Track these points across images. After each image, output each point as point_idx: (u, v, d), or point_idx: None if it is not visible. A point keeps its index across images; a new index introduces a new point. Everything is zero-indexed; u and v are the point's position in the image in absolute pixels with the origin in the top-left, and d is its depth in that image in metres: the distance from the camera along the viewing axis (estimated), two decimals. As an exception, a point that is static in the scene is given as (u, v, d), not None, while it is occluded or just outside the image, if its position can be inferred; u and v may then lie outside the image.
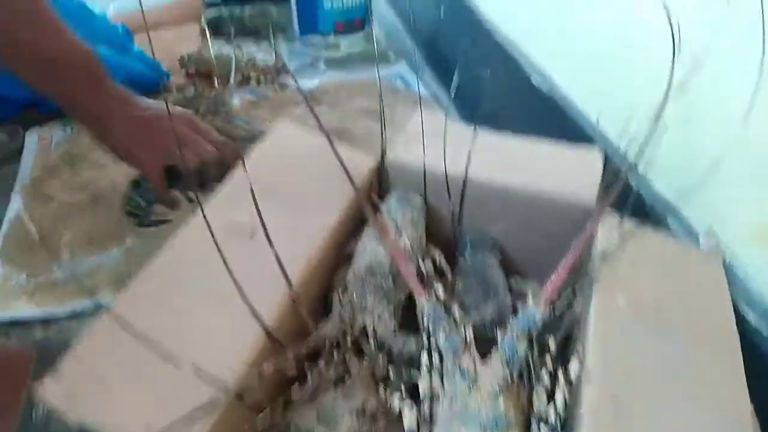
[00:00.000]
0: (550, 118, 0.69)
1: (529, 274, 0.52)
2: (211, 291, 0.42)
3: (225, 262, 0.41)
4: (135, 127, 0.62)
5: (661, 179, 0.53)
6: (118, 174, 0.86)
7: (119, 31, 1.09)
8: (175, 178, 0.65)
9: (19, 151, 0.93)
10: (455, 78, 0.56)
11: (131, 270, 0.70)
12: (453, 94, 0.57)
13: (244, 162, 0.47)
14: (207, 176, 0.63)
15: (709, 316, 0.40)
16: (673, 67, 0.44)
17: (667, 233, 0.48)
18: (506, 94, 0.83)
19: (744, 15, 0.42)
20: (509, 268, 0.52)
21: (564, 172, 0.52)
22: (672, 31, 0.45)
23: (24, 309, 0.67)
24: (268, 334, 0.40)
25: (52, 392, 0.36)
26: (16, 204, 0.82)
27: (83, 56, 0.63)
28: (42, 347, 0.63)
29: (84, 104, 0.63)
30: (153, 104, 0.65)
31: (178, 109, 0.67)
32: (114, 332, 0.38)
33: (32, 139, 0.97)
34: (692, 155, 0.49)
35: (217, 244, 0.39)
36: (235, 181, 0.51)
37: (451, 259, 0.52)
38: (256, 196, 0.45)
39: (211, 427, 0.34)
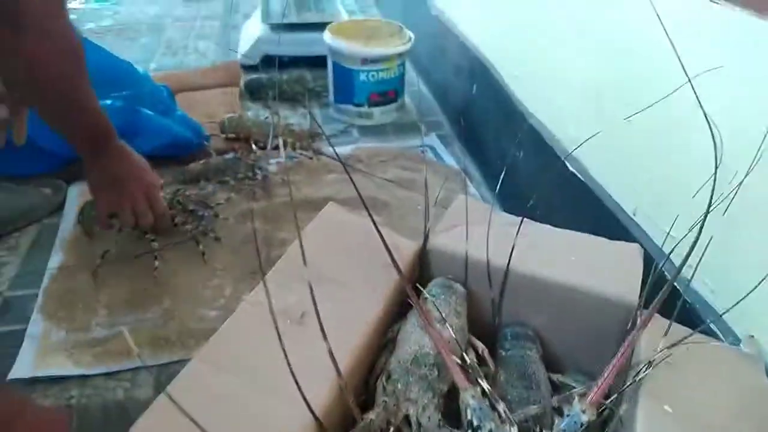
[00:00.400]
0: (585, 207, 0.71)
1: (568, 369, 0.53)
2: (262, 376, 0.43)
3: (282, 347, 0.42)
4: (105, 179, 0.79)
5: (704, 282, 0.54)
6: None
7: (163, 94, 1.14)
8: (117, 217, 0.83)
9: (62, 206, 0.97)
10: (502, 175, 0.58)
11: (168, 333, 0.72)
12: (497, 189, 0.58)
13: (301, 244, 0.49)
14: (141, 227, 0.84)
15: (751, 423, 0.40)
16: (715, 180, 0.45)
17: (710, 338, 0.48)
18: (539, 178, 0.85)
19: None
20: (548, 363, 0.53)
21: (604, 268, 0.53)
22: (714, 139, 0.47)
23: (63, 367, 0.68)
24: (318, 422, 0.41)
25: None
26: (57, 259, 0.85)
27: (104, 125, 0.75)
28: (79, 407, 0.64)
29: (94, 145, 0.77)
30: (137, 163, 0.81)
31: (152, 176, 0.83)
32: (171, 415, 0.39)
33: (74, 194, 1.00)
34: (737, 259, 0.50)
35: (278, 331, 0.40)
36: (286, 262, 0.53)
37: (491, 350, 0.53)
38: (304, 281, 0.47)
39: None
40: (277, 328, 0.40)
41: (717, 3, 0.53)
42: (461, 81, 1.23)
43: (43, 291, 0.79)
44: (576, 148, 0.64)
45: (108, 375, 0.68)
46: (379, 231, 0.52)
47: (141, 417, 0.39)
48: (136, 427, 0.39)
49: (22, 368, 0.67)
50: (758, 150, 0.46)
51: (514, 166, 0.96)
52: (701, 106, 0.43)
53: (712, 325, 0.51)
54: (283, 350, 0.40)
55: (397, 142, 1.21)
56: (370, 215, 0.54)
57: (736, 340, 0.49)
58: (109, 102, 0.98)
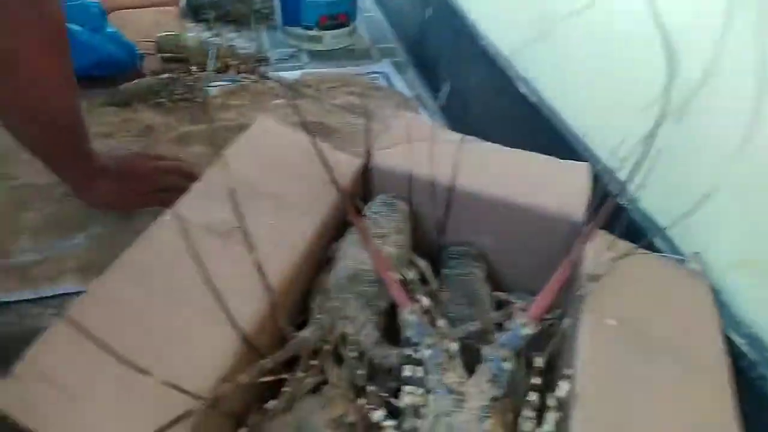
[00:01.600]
0: (537, 130, 0.69)
1: (515, 289, 0.51)
2: (184, 294, 0.39)
3: (201, 264, 0.39)
4: (116, 192, 0.69)
5: (651, 201, 0.53)
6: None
7: (93, 10, 1.04)
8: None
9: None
10: (445, 88, 0.54)
11: (97, 258, 0.68)
12: (441, 103, 0.55)
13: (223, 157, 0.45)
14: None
15: (698, 337, 0.40)
16: (668, 89, 0.43)
17: (655, 254, 0.47)
18: (492, 102, 0.82)
19: (745, 39, 0.42)
20: (495, 282, 0.51)
21: (553, 187, 0.51)
22: (669, 52, 0.44)
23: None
24: (246, 340, 0.38)
25: (4, 395, 0.33)
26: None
27: (74, 119, 0.63)
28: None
29: (63, 166, 0.65)
30: (120, 157, 0.71)
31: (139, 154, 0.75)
32: (77, 336, 0.35)
33: None
34: (685, 181, 0.49)
35: (192, 245, 0.36)
36: (213, 177, 0.49)
37: (435, 268, 0.51)
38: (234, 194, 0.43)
39: (184, 438, 0.32)
40: (190, 237, 0.37)
41: None
42: (416, 6, 1.17)
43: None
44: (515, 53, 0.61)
45: (32, 302, 0.64)
46: (315, 142, 0.49)
47: (38, 339, 0.35)
48: (33, 351, 0.36)
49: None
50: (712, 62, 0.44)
51: (465, 89, 0.92)
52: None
53: (659, 244, 0.50)
54: (200, 261, 0.37)
55: (349, 68, 1.16)
56: (306, 128, 0.51)
57: (682, 259, 0.49)
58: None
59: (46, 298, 0.65)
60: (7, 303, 0.63)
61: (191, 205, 0.46)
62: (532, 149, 0.56)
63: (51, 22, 0.54)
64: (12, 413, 0.32)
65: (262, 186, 0.49)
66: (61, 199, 0.75)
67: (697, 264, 0.46)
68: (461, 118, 0.93)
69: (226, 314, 0.38)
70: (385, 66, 1.17)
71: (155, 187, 0.70)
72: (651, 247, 0.49)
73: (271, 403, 0.39)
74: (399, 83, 1.11)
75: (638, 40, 0.54)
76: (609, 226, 0.45)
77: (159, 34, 1.05)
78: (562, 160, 0.55)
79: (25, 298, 0.64)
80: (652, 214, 0.53)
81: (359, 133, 0.96)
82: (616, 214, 0.47)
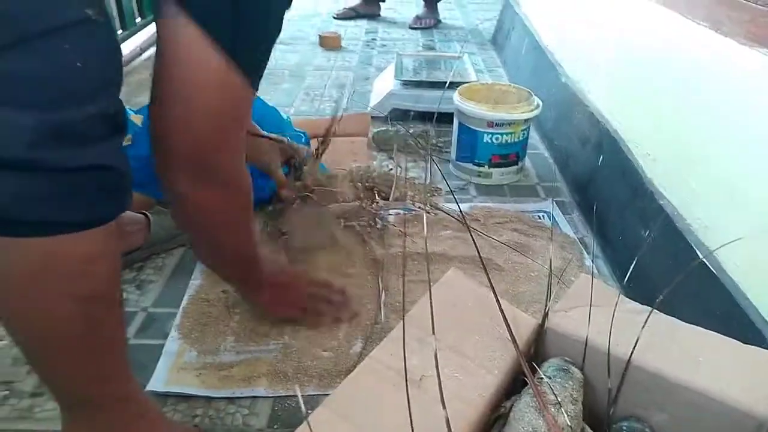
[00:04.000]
0: (714, 302, 0.68)
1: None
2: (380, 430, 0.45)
3: (408, 406, 0.44)
4: (270, 301, 0.83)
5: None
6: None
7: (302, 140, 1.24)
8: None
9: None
10: (632, 265, 0.57)
11: (286, 367, 0.78)
12: (605, 258, 0.58)
13: (432, 314, 0.51)
14: None
15: None
16: None
17: None
18: (666, 264, 0.82)
19: None
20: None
21: (739, 375, 0.50)
22: None
23: (192, 386, 0.75)
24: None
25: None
26: (196, 283, 0.94)
27: (253, 252, 0.74)
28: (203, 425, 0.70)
29: (238, 281, 0.81)
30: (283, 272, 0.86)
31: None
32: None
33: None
34: None
35: (407, 391, 0.42)
36: (409, 322, 0.56)
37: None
38: (423, 343, 0.49)
39: None
40: (407, 388, 0.43)
41: None
42: (586, 150, 1.22)
43: (182, 311, 0.88)
44: (717, 249, 0.62)
45: (230, 399, 0.74)
46: (499, 303, 0.54)
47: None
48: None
49: (158, 382, 0.75)
50: None
51: (636, 245, 0.93)
52: None
53: None
54: (409, 409, 0.42)
55: (513, 204, 1.22)
56: (491, 286, 0.56)
57: None
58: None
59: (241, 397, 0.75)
60: (210, 398, 0.74)
61: (387, 348, 0.53)
62: (706, 323, 0.56)
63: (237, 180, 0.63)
64: None
65: (446, 336, 0.55)
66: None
67: None
68: (626, 270, 0.93)
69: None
70: (548, 205, 1.21)
71: (303, 306, 0.84)
72: None
73: None
74: (563, 224, 1.14)
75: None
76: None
77: (353, 165, 1.21)
78: (752, 347, 0.54)
79: (223, 395, 0.74)
80: None
81: (521, 272, 1.00)
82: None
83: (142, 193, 1.11)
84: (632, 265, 0.59)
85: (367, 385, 0.49)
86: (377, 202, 1.12)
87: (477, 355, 0.54)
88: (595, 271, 1.00)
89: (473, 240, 0.52)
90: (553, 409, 0.49)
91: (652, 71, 1.00)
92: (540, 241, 1.08)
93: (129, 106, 1.23)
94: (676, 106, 0.89)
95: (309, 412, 0.46)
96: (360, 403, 0.48)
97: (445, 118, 1.38)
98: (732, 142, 0.72)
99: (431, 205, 1.17)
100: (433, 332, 0.45)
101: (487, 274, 0.53)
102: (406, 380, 0.45)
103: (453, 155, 1.33)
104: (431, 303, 0.50)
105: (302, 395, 0.74)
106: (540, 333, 0.58)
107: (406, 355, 0.52)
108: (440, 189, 1.27)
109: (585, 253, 1.05)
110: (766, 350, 0.53)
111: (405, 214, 1.15)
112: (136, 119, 1.17)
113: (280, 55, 2.17)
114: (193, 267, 0.98)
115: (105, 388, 0.54)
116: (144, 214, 1.02)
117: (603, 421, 0.55)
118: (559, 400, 0.50)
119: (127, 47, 1.99)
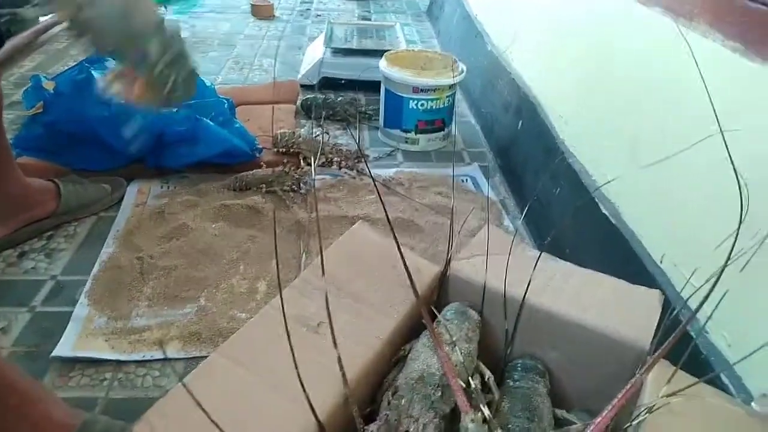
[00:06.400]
0: (615, 250, 0.71)
1: (574, 407, 0.53)
2: (274, 376, 0.45)
3: (291, 350, 0.45)
4: None
5: (722, 335, 0.54)
6: (204, 234, 0.94)
7: (225, 106, 1.21)
8: None
9: (120, 201, 1.04)
10: (528, 205, 0.59)
11: (200, 330, 0.77)
12: (523, 218, 0.60)
13: (322, 259, 0.51)
14: None
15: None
16: (737, 232, 0.46)
17: (720, 390, 0.48)
18: (572, 217, 0.86)
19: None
20: (555, 398, 0.53)
21: (624, 312, 0.53)
22: (741, 195, 0.47)
23: (101, 350, 0.73)
24: (320, 425, 0.43)
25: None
26: (108, 251, 0.91)
27: None
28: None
29: None
30: None
31: None
32: (185, 402, 0.42)
33: (132, 192, 1.07)
34: (758, 315, 0.50)
35: (288, 335, 0.43)
36: (311, 273, 0.56)
37: (499, 378, 0.54)
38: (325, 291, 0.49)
39: None
40: (288, 332, 0.43)
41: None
42: (508, 116, 1.24)
43: (92, 278, 0.85)
44: (603, 185, 0.64)
45: (140, 362, 0.73)
46: (401, 252, 0.55)
47: (157, 402, 0.42)
48: (152, 412, 0.42)
49: (65, 348, 0.73)
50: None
51: (549, 202, 0.96)
52: (730, 159, 0.44)
53: (725, 379, 0.50)
54: (292, 353, 0.42)
55: (439, 169, 1.24)
56: (394, 236, 0.57)
57: (749, 398, 0.48)
58: (175, 110, 1.05)
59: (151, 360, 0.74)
60: (120, 362, 0.73)
61: (289, 295, 0.53)
62: (608, 268, 0.58)
63: None
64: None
65: (348, 285, 0.55)
66: (178, 271, 0.86)
67: (764, 406, 0.46)
68: (542, 229, 0.97)
69: (307, 400, 0.43)
70: (474, 170, 1.24)
71: None
72: (716, 383, 0.49)
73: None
74: (486, 188, 1.17)
75: (718, 183, 0.57)
76: (673, 356, 0.46)
77: (278, 131, 1.20)
78: (635, 285, 0.57)
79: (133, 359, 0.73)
80: (723, 351, 0.53)
81: (442, 233, 1.02)
82: (682, 345, 0.48)
83: (53, 161, 1.07)
84: (528, 205, 0.61)
85: (264, 331, 0.49)
86: (301, 168, 1.12)
87: (378, 302, 0.54)
88: (512, 229, 1.03)
89: (380, 198, 0.53)
90: (447, 348, 0.50)
91: (570, 40, 1.03)
92: (462, 204, 1.10)
93: (43, 74, 1.17)
94: (589, 72, 0.92)
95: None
96: (256, 348, 0.48)
97: (376, 86, 1.37)
98: (634, 102, 0.75)
99: (357, 171, 1.17)
100: (323, 274, 0.46)
101: (391, 225, 0.54)
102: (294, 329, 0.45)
103: (381, 122, 1.34)
104: (321, 250, 0.50)
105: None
106: (443, 280, 0.60)
107: (305, 302, 0.52)
108: (367, 156, 1.27)
109: (504, 213, 1.08)
110: (648, 288, 0.56)
111: (331, 179, 1.14)
112: (49, 85, 1.11)
113: (210, 24, 2.10)
114: (106, 235, 0.94)
115: None
116: (54, 182, 0.98)
117: (500, 361, 0.57)
118: (454, 339, 0.51)
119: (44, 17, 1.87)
